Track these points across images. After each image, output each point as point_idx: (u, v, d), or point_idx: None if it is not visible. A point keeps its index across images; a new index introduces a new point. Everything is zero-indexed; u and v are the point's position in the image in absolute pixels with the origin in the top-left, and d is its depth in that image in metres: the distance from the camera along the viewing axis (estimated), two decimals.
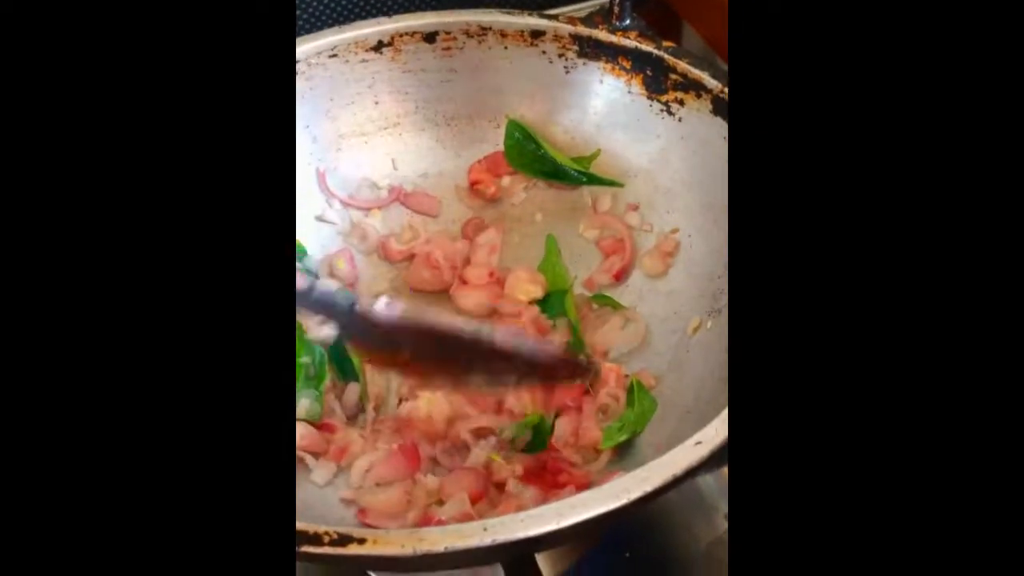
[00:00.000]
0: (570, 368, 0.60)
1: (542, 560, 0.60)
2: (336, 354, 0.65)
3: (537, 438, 0.62)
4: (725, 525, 0.66)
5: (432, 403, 0.62)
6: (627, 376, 0.63)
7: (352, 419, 0.64)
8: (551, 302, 0.69)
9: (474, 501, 0.57)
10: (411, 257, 0.72)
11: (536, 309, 0.68)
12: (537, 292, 0.69)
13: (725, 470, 0.65)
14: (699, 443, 0.46)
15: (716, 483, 0.68)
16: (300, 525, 0.43)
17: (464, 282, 0.71)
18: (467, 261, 0.72)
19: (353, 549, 0.43)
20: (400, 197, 0.75)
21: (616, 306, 0.68)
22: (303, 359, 0.64)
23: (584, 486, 0.57)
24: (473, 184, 0.75)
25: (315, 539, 0.43)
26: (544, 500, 0.57)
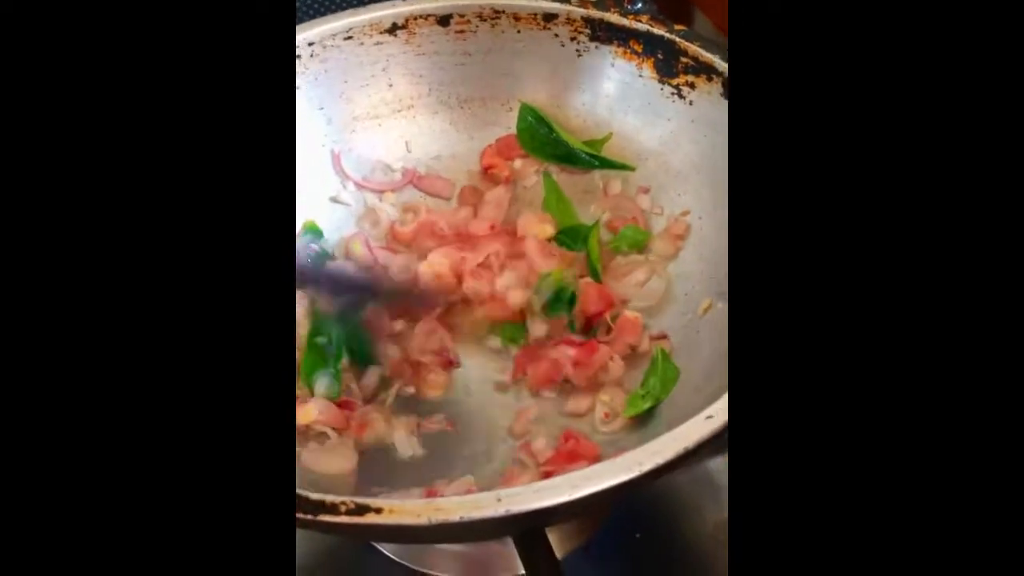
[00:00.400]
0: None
1: (554, 539, 0.61)
2: (350, 339, 0.65)
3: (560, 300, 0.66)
4: None
5: (432, 264, 0.68)
6: (645, 327, 0.65)
7: (369, 400, 0.65)
8: (571, 235, 0.71)
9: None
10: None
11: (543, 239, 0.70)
12: (548, 230, 0.70)
13: None
14: (710, 417, 0.46)
15: (725, 465, 0.68)
16: (317, 496, 0.44)
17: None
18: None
19: (370, 518, 0.43)
20: (413, 179, 0.75)
21: (641, 239, 0.69)
22: (319, 339, 0.64)
23: (594, 458, 0.57)
24: (487, 169, 0.75)
25: (332, 509, 0.44)
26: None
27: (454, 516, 0.43)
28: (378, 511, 0.43)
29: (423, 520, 0.43)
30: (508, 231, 0.72)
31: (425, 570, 0.65)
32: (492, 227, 0.71)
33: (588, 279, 0.68)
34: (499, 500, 0.44)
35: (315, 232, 0.72)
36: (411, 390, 0.66)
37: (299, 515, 0.44)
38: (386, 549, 0.65)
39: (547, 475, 0.57)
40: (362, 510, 0.44)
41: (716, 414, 0.46)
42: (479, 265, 0.67)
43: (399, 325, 0.67)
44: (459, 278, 0.68)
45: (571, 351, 0.64)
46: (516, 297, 0.66)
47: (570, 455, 0.58)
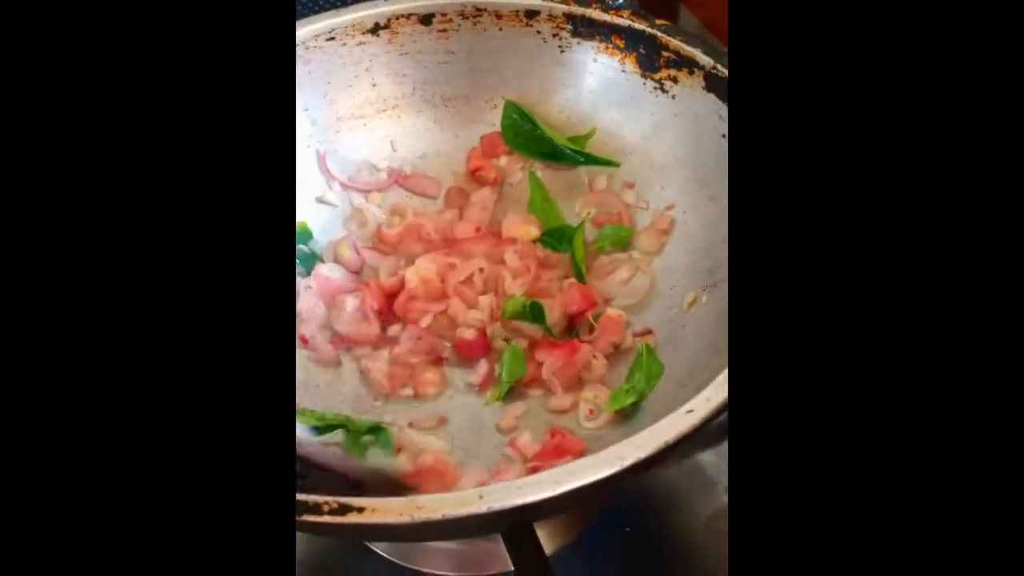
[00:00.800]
0: None
1: (543, 535, 0.61)
2: None
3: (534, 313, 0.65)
4: (725, 498, 0.67)
5: (418, 270, 0.68)
6: (628, 324, 0.65)
7: None
8: (556, 236, 0.71)
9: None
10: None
11: (528, 241, 0.71)
12: (533, 232, 0.71)
13: (725, 445, 0.66)
14: (690, 411, 0.46)
15: (716, 458, 0.69)
16: (300, 496, 0.44)
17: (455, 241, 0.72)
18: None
19: (352, 518, 0.43)
20: (399, 179, 0.75)
21: (624, 236, 0.70)
22: None
23: (580, 453, 0.58)
24: (474, 172, 0.76)
25: (315, 509, 0.44)
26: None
27: (436, 514, 0.43)
28: (360, 510, 0.44)
29: (405, 519, 0.43)
30: (494, 232, 0.72)
31: (418, 567, 0.65)
32: (477, 229, 0.72)
33: (572, 280, 0.68)
34: (481, 497, 0.44)
35: (305, 233, 0.72)
36: (409, 392, 0.66)
37: None
38: (378, 548, 0.66)
39: (534, 470, 0.57)
40: (344, 510, 0.44)
41: (696, 408, 0.46)
42: (462, 282, 0.68)
43: (394, 329, 0.68)
44: (445, 282, 0.68)
45: (550, 356, 0.64)
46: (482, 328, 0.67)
47: (557, 450, 0.59)
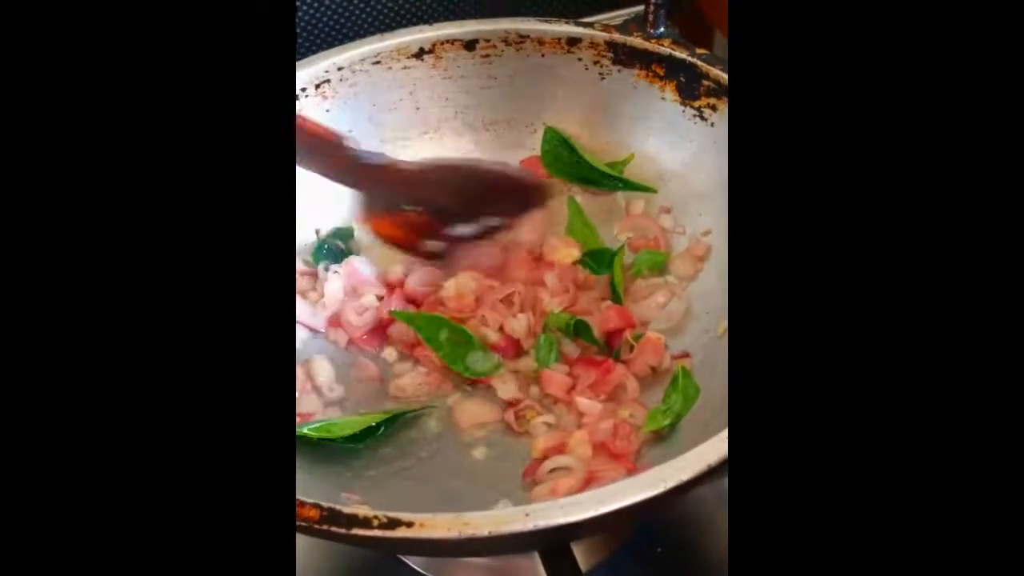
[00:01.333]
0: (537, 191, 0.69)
1: (579, 553, 0.62)
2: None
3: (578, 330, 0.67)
4: None
5: (458, 282, 0.69)
6: (666, 347, 0.66)
7: None
8: (596, 258, 0.72)
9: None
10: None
11: (568, 264, 0.72)
12: (574, 254, 0.72)
13: None
14: None
15: None
16: (349, 509, 0.46)
17: None
18: None
19: (402, 532, 0.45)
20: None
21: (659, 260, 0.71)
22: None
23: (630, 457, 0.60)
24: None
25: (365, 522, 0.45)
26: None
27: (483, 531, 0.44)
28: (409, 525, 0.45)
29: (453, 534, 0.44)
30: (534, 255, 0.73)
31: None
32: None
33: (609, 302, 0.69)
34: (527, 515, 0.45)
35: (347, 232, 0.75)
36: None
37: (333, 529, 0.45)
38: (412, 561, 0.67)
39: (590, 479, 0.59)
40: (394, 524, 0.45)
41: None
42: (501, 300, 0.69)
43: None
44: (479, 301, 0.69)
45: (584, 372, 0.65)
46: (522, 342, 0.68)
47: (610, 456, 0.60)
